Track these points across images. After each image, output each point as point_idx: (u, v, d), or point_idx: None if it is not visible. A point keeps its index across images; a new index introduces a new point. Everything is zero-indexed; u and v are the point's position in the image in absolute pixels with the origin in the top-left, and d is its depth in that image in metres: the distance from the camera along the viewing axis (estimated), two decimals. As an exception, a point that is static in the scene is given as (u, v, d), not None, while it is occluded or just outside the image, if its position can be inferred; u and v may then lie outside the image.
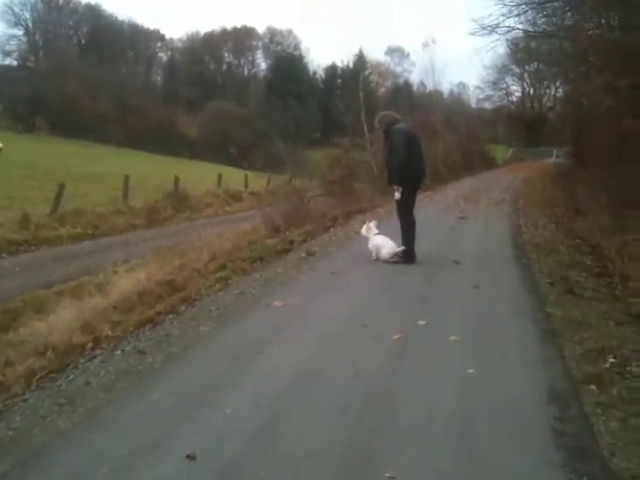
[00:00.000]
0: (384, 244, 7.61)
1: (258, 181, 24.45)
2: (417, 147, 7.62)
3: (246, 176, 23.22)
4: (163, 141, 55.56)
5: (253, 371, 3.97)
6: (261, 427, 3.21)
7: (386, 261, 7.52)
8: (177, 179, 19.64)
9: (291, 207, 11.68)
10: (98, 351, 4.74)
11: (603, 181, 14.39)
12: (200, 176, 26.83)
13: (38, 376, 4.25)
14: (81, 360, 4.52)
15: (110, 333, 5.28)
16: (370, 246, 7.74)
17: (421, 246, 8.00)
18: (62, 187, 15.17)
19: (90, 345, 5.07)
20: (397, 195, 7.44)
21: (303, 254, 8.24)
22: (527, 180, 27.45)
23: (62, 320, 6.07)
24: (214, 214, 19.17)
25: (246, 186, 24.18)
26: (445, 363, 4.06)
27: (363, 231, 7.95)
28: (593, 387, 3.60)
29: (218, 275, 7.11)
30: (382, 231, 7.80)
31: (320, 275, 6.96)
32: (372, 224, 7.90)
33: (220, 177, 23.51)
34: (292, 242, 9.24)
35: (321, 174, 17.67)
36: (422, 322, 4.95)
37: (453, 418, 3.30)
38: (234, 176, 23.78)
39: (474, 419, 3.27)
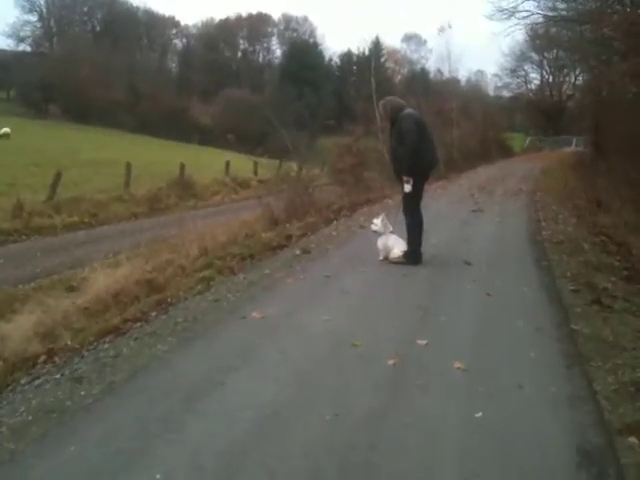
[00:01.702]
0: (395, 244, 6.85)
1: (269, 169, 23.64)
2: (427, 133, 6.85)
3: (255, 163, 22.45)
4: (176, 128, 55.16)
5: (206, 411, 3.18)
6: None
7: (389, 262, 6.79)
8: (183, 166, 18.94)
9: (294, 197, 10.97)
10: (46, 367, 4.07)
11: (626, 172, 13.65)
12: (209, 163, 26.22)
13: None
14: (23, 380, 3.83)
15: (69, 343, 4.64)
16: (379, 244, 6.96)
17: (429, 243, 7.29)
18: (59, 174, 14.63)
19: (43, 358, 4.43)
20: (408, 188, 6.56)
21: (297, 252, 7.48)
22: (545, 170, 26.54)
23: (24, 325, 5.42)
24: (220, 202, 18.52)
25: (255, 174, 23.43)
26: (447, 402, 3.28)
27: (376, 227, 6.99)
28: (634, 440, 2.83)
29: (202, 274, 6.40)
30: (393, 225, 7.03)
31: (312, 278, 6.16)
32: (385, 219, 7.02)
33: (228, 164, 22.78)
34: (289, 237, 8.50)
35: (331, 162, 17.01)
36: (422, 342, 4.17)
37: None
38: (246, 164, 22.93)
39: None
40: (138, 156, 25.25)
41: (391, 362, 3.80)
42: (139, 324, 4.86)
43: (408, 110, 6.80)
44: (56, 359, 4.25)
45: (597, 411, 3.16)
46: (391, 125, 6.96)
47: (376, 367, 3.75)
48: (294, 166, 13.05)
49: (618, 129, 17.04)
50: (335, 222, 10.21)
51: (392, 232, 6.94)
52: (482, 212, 11.71)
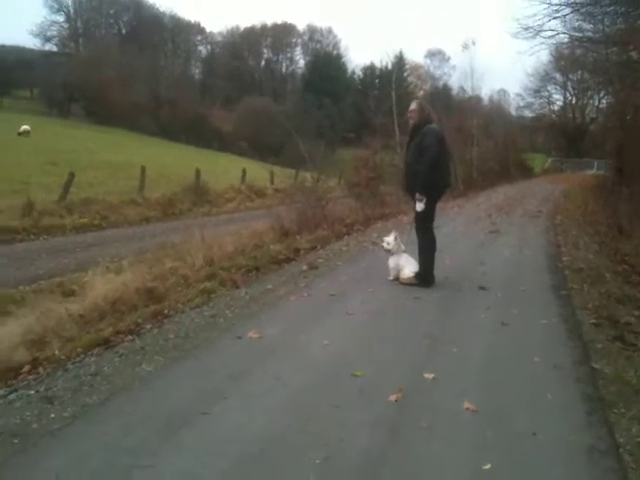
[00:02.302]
0: (407, 264, 6.55)
1: (285, 178, 23.40)
2: (446, 153, 6.56)
3: (272, 172, 22.27)
4: (196, 134, 55.35)
5: (184, 444, 2.86)
6: None
7: (400, 282, 6.49)
8: (198, 172, 18.77)
9: (307, 209, 10.69)
10: (29, 378, 3.81)
11: (649, 198, 13.28)
12: (227, 170, 26.08)
13: None
14: (1, 392, 3.58)
15: (57, 353, 4.39)
16: (390, 263, 6.66)
17: (443, 264, 7.00)
18: (72, 174, 14.52)
19: (27, 368, 4.19)
20: (421, 206, 6.22)
21: (304, 267, 7.18)
22: (566, 192, 26.08)
23: (15, 330, 5.18)
24: (234, 210, 18.32)
25: (272, 182, 23.23)
26: (453, 450, 2.93)
27: (388, 244, 6.69)
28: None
29: (203, 286, 6.14)
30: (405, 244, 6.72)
31: (316, 297, 5.83)
32: (397, 238, 6.71)
33: (244, 172, 22.60)
34: (298, 250, 8.23)
35: (348, 175, 16.75)
36: (430, 375, 3.83)
37: None
38: (263, 172, 22.73)
39: None
40: (156, 160, 25.21)
41: (393, 398, 3.47)
42: (131, 337, 4.60)
43: (433, 125, 6.43)
44: (40, 370, 4.01)
45: (620, 469, 2.81)
46: (410, 137, 6.56)
47: (377, 403, 3.42)
48: (308, 176, 12.78)
49: (641, 153, 16.63)
50: (347, 237, 9.93)
51: (404, 251, 6.65)
52: (499, 233, 11.34)
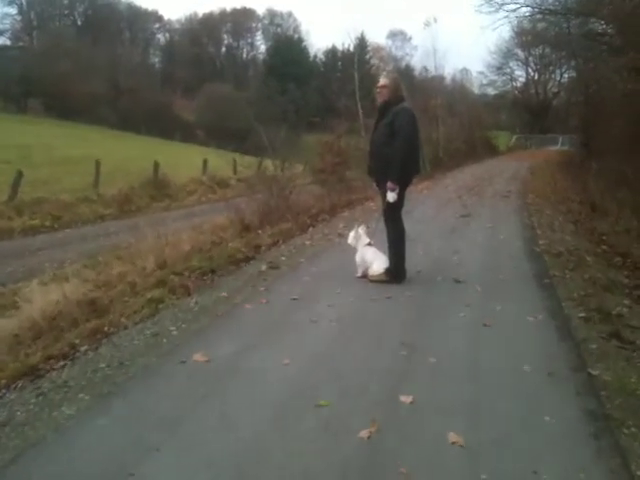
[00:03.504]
0: (375, 259, 5.95)
1: (249, 167, 22.58)
2: (418, 137, 5.95)
3: (234, 161, 21.52)
4: (158, 124, 54.04)
5: None
6: None
7: (369, 280, 5.93)
8: (157, 164, 17.98)
9: (269, 199, 10.08)
10: None
11: (622, 173, 12.98)
12: (189, 161, 25.24)
13: None
14: None
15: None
16: (357, 259, 6.07)
17: (416, 254, 6.54)
18: (20, 173, 13.73)
19: None
20: (393, 196, 5.56)
21: (264, 266, 6.55)
22: (534, 169, 25.84)
23: None
24: (195, 203, 17.59)
25: (234, 172, 22.47)
26: None
27: (350, 240, 6.17)
28: None
29: (151, 295, 5.50)
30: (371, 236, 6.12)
31: (276, 303, 5.17)
32: (362, 230, 6.14)
33: (205, 163, 21.78)
34: (258, 247, 7.60)
35: (313, 161, 16.16)
36: (407, 399, 3.24)
37: None
38: (228, 162, 21.96)
39: None
40: (115, 153, 24.34)
41: (365, 434, 2.86)
42: (63, 362, 3.96)
43: (406, 104, 5.74)
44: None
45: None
46: (380, 116, 5.82)
47: (345, 442, 2.81)
48: (281, 164, 12.09)
49: (611, 127, 16.37)
50: (311, 229, 9.34)
51: (371, 244, 6.06)
52: (471, 217, 10.88)
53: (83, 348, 4.23)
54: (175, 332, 4.41)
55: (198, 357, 3.84)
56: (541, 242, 8.28)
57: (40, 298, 6.02)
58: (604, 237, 8.61)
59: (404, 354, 3.95)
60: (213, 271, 6.36)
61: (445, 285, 5.87)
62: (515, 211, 12.17)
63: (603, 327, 4.52)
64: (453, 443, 2.80)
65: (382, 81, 5.77)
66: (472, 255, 7.42)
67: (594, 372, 3.65)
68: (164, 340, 4.25)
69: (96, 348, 4.20)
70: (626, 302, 5.24)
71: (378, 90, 5.81)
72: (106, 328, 4.67)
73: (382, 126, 5.68)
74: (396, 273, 5.83)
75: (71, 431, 2.96)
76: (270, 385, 3.46)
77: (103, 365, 3.80)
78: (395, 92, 5.71)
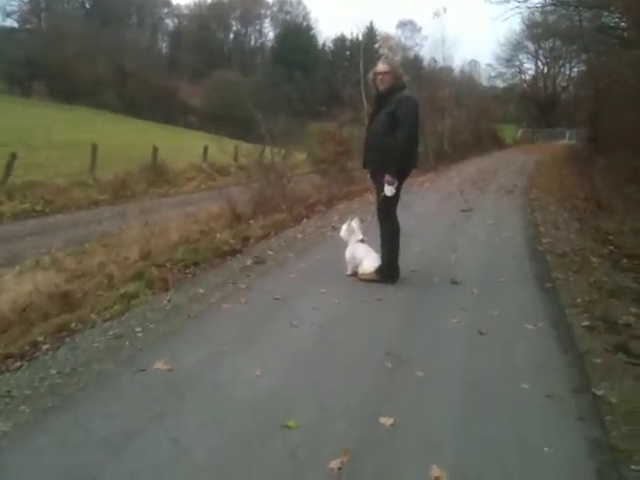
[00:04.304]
0: (366, 256, 5.59)
1: (251, 154, 22.20)
2: (420, 127, 5.57)
3: (236, 148, 21.12)
4: (163, 110, 53.75)
5: None
6: None
7: (359, 278, 5.57)
8: (155, 149, 17.62)
9: (265, 188, 9.74)
10: None
11: (630, 169, 12.66)
12: (191, 147, 24.91)
13: None
14: None
15: None
16: (347, 255, 5.70)
17: (412, 251, 6.23)
18: (13, 155, 13.41)
19: None
20: (391, 190, 5.18)
21: (249, 261, 6.18)
22: (539, 164, 25.43)
23: None
24: (194, 190, 17.28)
25: (235, 159, 22.10)
26: None
27: (342, 233, 5.79)
28: None
29: (124, 290, 5.15)
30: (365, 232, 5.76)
31: (256, 303, 4.78)
32: (355, 224, 5.77)
33: (206, 149, 21.40)
34: (247, 239, 7.24)
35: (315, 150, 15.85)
36: (388, 420, 2.86)
37: None
38: (230, 149, 21.57)
39: None
40: (117, 138, 24.05)
41: (335, 465, 2.48)
42: (18, 364, 3.62)
43: (408, 92, 5.35)
44: None
45: None
46: (378, 105, 5.45)
47: (311, 474, 2.44)
48: (280, 152, 11.73)
49: (622, 122, 15.98)
50: (306, 220, 8.97)
51: (363, 240, 5.70)
52: (473, 212, 10.51)
53: (45, 347, 3.89)
54: (140, 334, 4.01)
55: (160, 365, 3.45)
56: (544, 240, 7.91)
57: (13, 288, 5.72)
58: (610, 237, 8.25)
59: (389, 366, 3.58)
60: (197, 264, 6.01)
61: (440, 286, 5.51)
62: (519, 207, 11.79)
63: (609, 338, 4.15)
64: (435, 479, 2.43)
65: (382, 67, 5.34)
66: (471, 254, 7.05)
67: (598, 392, 3.28)
68: (127, 343, 3.85)
69: (58, 348, 3.85)
70: (633, 310, 4.85)
71: (380, 77, 5.34)
72: (73, 325, 4.34)
73: (382, 115, 5.28)
74: (389, 272, 5.47)
75: (3, 451, 2.58)
76: (235, 402, 3.06)
77: (54, 371, 3.41)
78: (398, 78, 5.31)
